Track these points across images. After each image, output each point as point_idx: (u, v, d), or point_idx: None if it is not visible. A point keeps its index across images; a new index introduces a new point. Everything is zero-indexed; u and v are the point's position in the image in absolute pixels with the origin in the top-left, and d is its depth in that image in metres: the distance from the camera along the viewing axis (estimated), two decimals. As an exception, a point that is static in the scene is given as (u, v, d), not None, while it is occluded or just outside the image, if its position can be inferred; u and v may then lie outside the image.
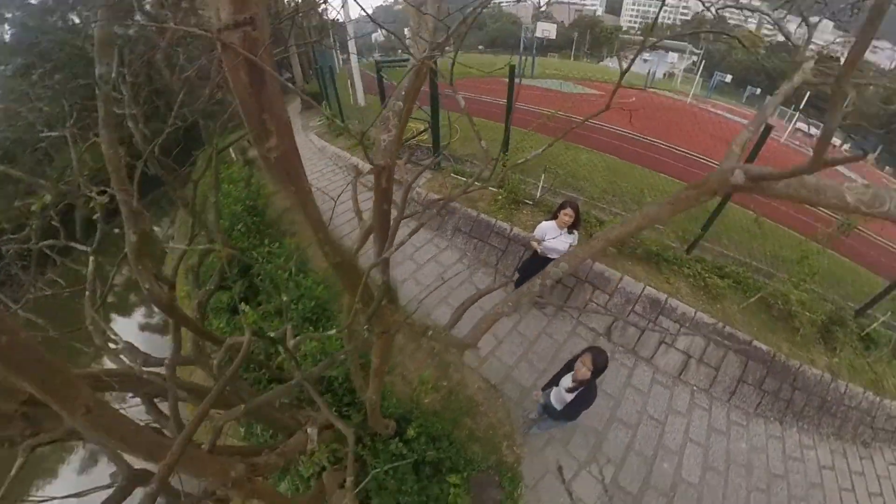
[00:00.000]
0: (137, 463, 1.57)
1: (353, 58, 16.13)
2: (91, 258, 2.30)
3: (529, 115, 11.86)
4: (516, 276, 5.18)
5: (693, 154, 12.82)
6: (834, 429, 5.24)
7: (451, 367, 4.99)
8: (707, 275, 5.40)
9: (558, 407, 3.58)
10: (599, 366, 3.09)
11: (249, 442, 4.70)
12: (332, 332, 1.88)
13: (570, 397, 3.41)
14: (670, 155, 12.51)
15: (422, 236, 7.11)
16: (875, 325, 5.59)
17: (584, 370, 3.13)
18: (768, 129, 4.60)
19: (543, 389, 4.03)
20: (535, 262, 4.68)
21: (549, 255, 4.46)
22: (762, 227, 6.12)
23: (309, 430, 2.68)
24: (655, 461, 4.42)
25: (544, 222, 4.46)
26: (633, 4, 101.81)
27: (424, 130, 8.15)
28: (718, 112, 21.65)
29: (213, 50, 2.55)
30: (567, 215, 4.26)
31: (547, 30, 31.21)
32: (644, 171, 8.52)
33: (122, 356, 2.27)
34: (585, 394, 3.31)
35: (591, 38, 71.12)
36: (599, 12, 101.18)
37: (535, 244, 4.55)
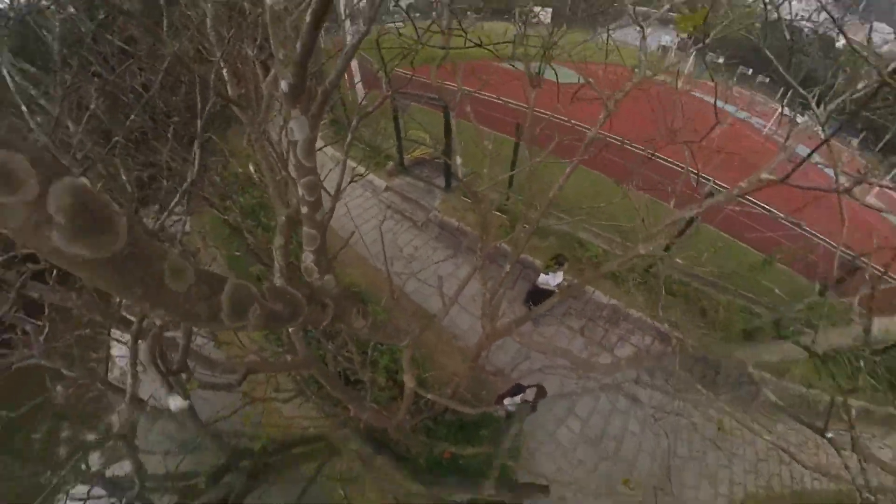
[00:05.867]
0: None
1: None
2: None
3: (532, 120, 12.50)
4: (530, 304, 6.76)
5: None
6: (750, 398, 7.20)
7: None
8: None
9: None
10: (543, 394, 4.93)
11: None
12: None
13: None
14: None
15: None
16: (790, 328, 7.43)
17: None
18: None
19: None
20: (538, 293, 6.41)
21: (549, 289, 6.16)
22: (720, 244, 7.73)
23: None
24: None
25: (543, 275, 6.19)
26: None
27: (428, 149, 8.59)
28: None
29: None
30: (562, 269, 6.06)
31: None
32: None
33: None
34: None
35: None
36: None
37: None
